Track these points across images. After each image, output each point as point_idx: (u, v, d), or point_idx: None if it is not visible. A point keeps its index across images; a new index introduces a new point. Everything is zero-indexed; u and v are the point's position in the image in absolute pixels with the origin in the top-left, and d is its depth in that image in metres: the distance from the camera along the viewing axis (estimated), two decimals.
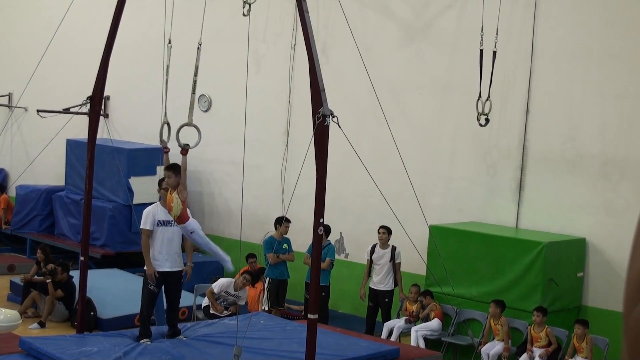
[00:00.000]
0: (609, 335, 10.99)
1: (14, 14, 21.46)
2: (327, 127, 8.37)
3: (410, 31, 14.21)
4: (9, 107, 21.27)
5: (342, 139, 8.50)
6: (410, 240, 10.25)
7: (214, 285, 12.94)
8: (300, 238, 13.50)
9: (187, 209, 9.62)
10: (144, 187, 15.58)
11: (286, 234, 13.20)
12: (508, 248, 11.89)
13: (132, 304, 11.51)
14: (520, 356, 11.20)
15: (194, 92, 9.66)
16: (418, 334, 11.99)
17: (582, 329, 10.84)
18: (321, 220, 8.46)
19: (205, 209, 17.04)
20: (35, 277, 13.49)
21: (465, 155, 13.50)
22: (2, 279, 15.26)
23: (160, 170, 15.37)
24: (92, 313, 12.32)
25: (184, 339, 10.19)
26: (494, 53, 12.01)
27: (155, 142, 15.30)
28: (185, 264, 10.37)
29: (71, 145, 17.24)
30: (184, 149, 9.45)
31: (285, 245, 13.21)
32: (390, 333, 12.29)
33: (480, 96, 12.11)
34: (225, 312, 12.72)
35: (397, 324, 12.31)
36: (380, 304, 12.64)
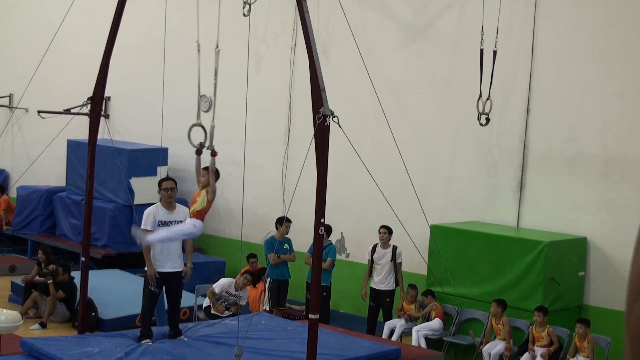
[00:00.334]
0: (611, 334, 10.98)
1: (14, 14, 21.46)
2: (328, 127, 8.37)
3: (411, 31, 14.20)
4: (9, 108, 21.27)
5: (343, 138, 8.50)
6: (411, 240, 10.25)
7: (214, 285, 12.94)
8: (301, 238, 13.50)
9: (206, 211, 9.55)
10: (144, 188, 15.58)
11: (287, 234, 13.20)
12: (509, 247, 11.89)
13: (133, 305, 11.52)
14: (521, 356, 11.19)
15: (215, 94, 9.70)
16: (419, 333, 11.99)
17: (583, 328, 10.84)
18: (322, 220, 8.47)
19: None
20: (37, 277, 13.49)
21: (466, 155, 13.50)
22: (3, 279, 15.26)
23: (161, 171, 15.41)
24: (93, 314, 12.31)
25: (185, 339, 10.19)
26: (495, 53, 12.00)
27: (156, 142, 15.32)
28: (185, 265, 10.37)
29: (72, 146, 17.24)
30: (214, 151, 9.47)
31: (286, 246, 13.20)
32: (391, 333, 12.29)
33: (480, 96, 12.11)
34: (226, 312, 12.72)
35: (398, 323, 12.31)
36: (382, 304, 12.64)
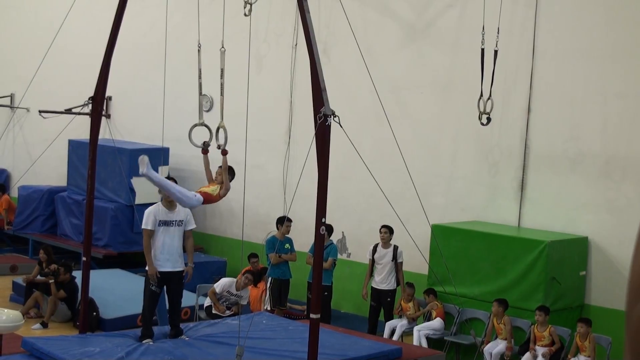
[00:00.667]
0: (612, 334, 10.98)
1: (15, 15, 21.47)
2: (329, 126, 8.37)
3: (412, 31, 14.20)
4: (11, 107, 21.27)
5: (344, 138, 8.50)
6: (412, 240, 10.25)
7: (216, 285, 12.95)
8: (303, 238, 13.50)
9: (218, 198, 9.59)
10: (145, 188, 15.55)
11: (288, 233, 13.20)
12: (510, 247, 11.88)
13: (134, 304, 11.52)
14: (522, 355, 11.19)
15: (222, 94, 9.73)
16: (420, 333, 11.99)
17: (584, 327, 10.84)
18: (323, 219, 8.47)
19: (207, 208, 17.02)
20: (38, 277, 13.50)
21: (467, 155, 13.50)
22: (5, 279, 15.27)
23: (162, 171, 15.39)
24: (94, 313, 12.32)
25: (186, 339, 10.19)
26: (496, 52, 12.00)
27: (157, 142, 15.32)
28: (186, 264, 10.37)
29: (73, 145, 17.25)
30: (225, 150, 9.50)
31: (287, 245, 13.21)
32: (392, 332, 12.29)
33: (481, 95, 12.10)
34: (227, 312, 12.72)
35: (399, 323, 12.32)
36: (383, 304, 12.64)
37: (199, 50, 9.80)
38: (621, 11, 12.02)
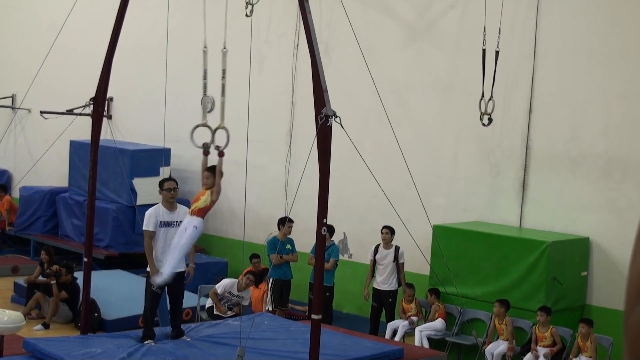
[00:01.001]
0: (613, 334, 10.98)
1: (17, 15, 21.48)
2: (330, 127, 8.38)
3: (413, 31, 14.20)
4: (12, 108, 21.29)
5: (345, 139, 8.50)
6: (414, 240, 10.25)
7: (217, 286, 12.95)
8: (304, 238, 13.50)
9: (208, 209, 9.60)
10: (147, 188, 15.57)
11: (289, 234, 13.20)
12: (512, 247, 11.88)
13: (135, 305, 11.52)
14: (524, 356, 11.19)
15: (223, 95, 9.75)
16: (422, 334, 11.99)
17: (586, 328, 10.83)
18: (324, 220, 8.47)
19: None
20: (40, 278, 13.50)
21: (469, 155, 13.50)
22: (6, 280, 15.28)
23: (163, 172, 15.41)
24: (96, 314, 12.32)
25: (188, 339, 10.19)
26: (497, 53, 11.99)
27: (158, 143, 15.33)
28: (187, 265, 10.36)
29: (74, 146, 17.25)
30: (221, 152, 9.52)
31: (288, 246, 13.21)
32: (394, 333, 12.29)
33: (483, 96, 12.09)
34: (228, 312, 12.72)
35: (401, 324, 12.31)
36: (384, 304, 12.63)
37: (204, 52, 9.79)
38: (623, 11, 12.01)
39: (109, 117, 18.56)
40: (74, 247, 16.64)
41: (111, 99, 18.23)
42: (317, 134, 8.41)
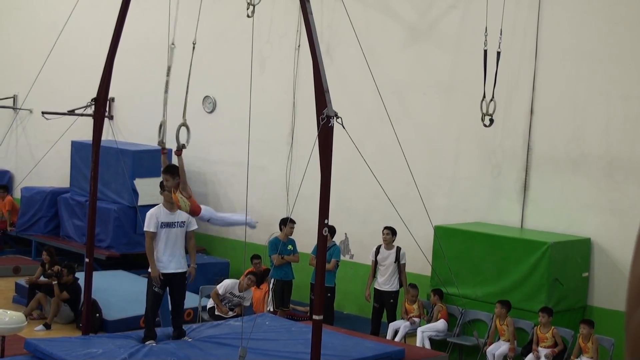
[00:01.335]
0: (615, 335, 10.98)
1: (18, 16, 21.49)
2: (332, 128, 8.38)
3: (414, 32, 14.20)
4: (14, 109, 21.30)
5: (347, 139, 8.50)
6: (415, 241, 10.24)
7: (218, 286, 12.95)
8: (305, 239, 13.50)
9: (195, 201, 9.74)
10: (148, 189, 15.58)
11: (291, 235, 13.20)
12: (513, 248, 11.88)
13: (137, 306, 11.53)
14: (525, 356, 11.19)
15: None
16: (424, 334, 11.99)
17: (587, 329, 10.83)
18: (326, 221, 8.47)
19: None
20: (41, 278, 13.51)
21: (470, 156, 13.49)
22: (8, 280, 15.29)
23: None
24: (97, 315, 12.33)
25: (189, 340, 10.19)
26: (498, 53, 11.99)
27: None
28: (189, 265, 10.37)
29: (76, 147, 17.26)
30: (178, 150, 9.59)
31: (290, 247, 13.21)
32: (395, 334, 12.29)
33: (484, 97, 12.09)
34: (230, 313, 12.73)
35: (402, 324, 12.31)
36: (385, 305, 12.63)
37: (171, 48, 9.82)
38: (624, 12, 12.01)
39: (111, 117, 18.57)
40: (75, 247, 16.65)
41: (113, 99, 18.24)
42: (318, 135, 8.41)
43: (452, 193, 13.63)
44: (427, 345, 11.86)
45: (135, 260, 15.57)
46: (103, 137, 10.97)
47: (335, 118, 8.37)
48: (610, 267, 11.94)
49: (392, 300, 12.61)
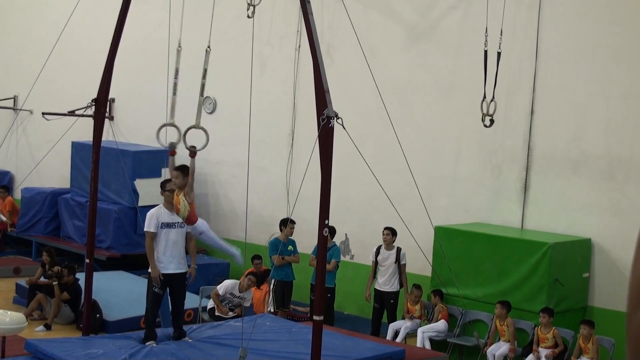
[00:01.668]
0: (615, 335, 10.97)
1: (19, 17, 21.49)
2: (332, 128, 8.38)
3: (415, 32, 14.20)
4: (14, 109, 21.30)
5: (347, 140, 8.50)
6: (416, 241, 10.24)
7: (219, 287, 12.95)
8: (306, 239, 13.50)
9: (195, 210, 9.71)
10: (149, 190, 15.58)
11: (291, 235, 13.20)
12: (513, 249, 11.88)
13: (137, 306, 11.53)
14: (526, 357, 11.19)
15: (202, 94, 9.75)
16: (424, 335, 11.99)
17: (587, 329, 10.83)
18: (326, 221, 8.47)
19: (211, 210, 17.05)
20: (42, 279, 13.50)
21: (470, 156, 13.49)
22: (8, 281, 15.28)
23: (165, 173, 15.40)
24: (97, 315, 12.33)
25: (190, 340, 10.19)
26: (499, 54, 12.00)
27: (160, 144, 15.32)
28: (189, 266, 10.37)
29: (76, 147, 17.26)
30: (192, 152, 9.54)
31: (290, 247, 13.21)
32: (395, 334, 12.29)
33: (484, 97, 12.10)
34: (230, 313, 12.72)
35: (403, 325, 12.31)
36: (386, 306, 12.63)
37: (178, 51, 9.82)
38: (624, 13, 12.01)
39: (111, 118, 18.57)
40: (75, 248, 16.65)
41: (113, 100, 18.24)
42: (319, 135, 8.41)
43: (452, 193, 13.63)
44: (428, 345, 11.86)
45: (135, 260, 15.57)
46: (103, 138, 10.97)
47: (335, 118, 8.37)
48: (610, 268, 11.94)
49: (392, 301, 12.61)
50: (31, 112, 20.39)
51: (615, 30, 12.04)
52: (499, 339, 11.51)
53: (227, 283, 13.05)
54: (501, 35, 12.01)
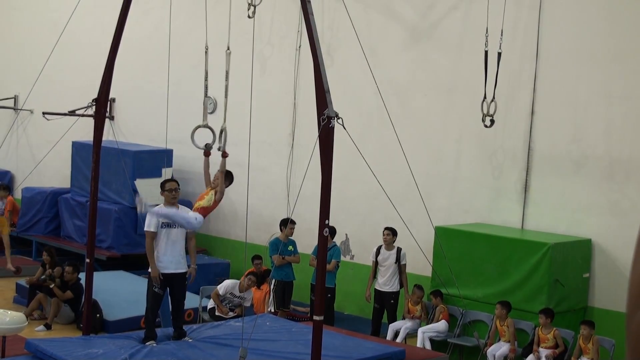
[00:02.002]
0: (615, 336, 10.97)
1: (19, 16, 21.50)
2: (332, 128, 8.38)
3: (415, 33, 14.20)
4: (14, 109, 21.30)
5: (348, 140, 8.50)
6: (416, 242, 10.24)
7: (219, 287, 12.95)
8: (306, 239, 13.50)
9: (209, 210, 9.80)
10: (149, 189, 15.58)
11: (292, 235, 13.20)
12: (514, 249, 11.87)
13: (137, 306, 11.53)
14: (526, 357, 11.18)
15: (226, 96, 9.81)
16: (425, 335, 11.99)
17: (588, 330, 10.82)
18: (326, 221, 8.47)
19: None
20: (41, 279, 13.50)
21: (471, 157, 13.49)
22: (8, 281, 15.28)
23: (166, 172, 15.42)
24: (97, 315, 12.33)
25: (190, 340, 10.20)
26: (499, 54, 12.00)
27: (160, 144, 15.34)
28: (189, 266, 10.37)
29: (77, 147, 17.26)
30: (225, 153, 9.71)
31: (290, 247, 13.21)
32: (395, 334, 12.29)
33: (485, 97, 12.10)
34: (230, 313, 12.73)
35: (404, 325, 12.31)
36: (386, 306, 12.63)
37: (206, 53, 9.80)
38: (625, 13, 12.01)
39: (111, 118, 18.59)
40: (76, 248, 16.65)
41: (113, 100, 18.25)
42: (319, 135, 8.41)
43: (452, 194, 13.63)
44: (428, 345, 11.86)
45: (135, 260, 15.57)
46: (104, 138, 10.98)
47: (336, 118, 8.37)
48: (610, 268, 11.93)
49: (392, 301, 12.61)
50: (32, 111, 20.39)
51: (615, 30, 12.03)
52: (499, 340, 11.51)
53: (228, 283, 13.05)
54: (502, 35, 12.02)
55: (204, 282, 13.43)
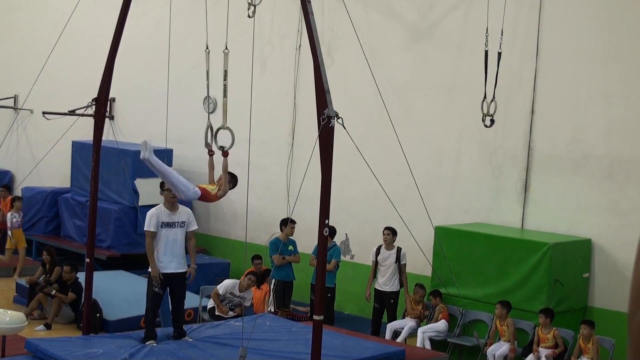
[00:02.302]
0: (615, 335, 10.97)
1: (19, 16, 21.50)
2: (332, 128, 8.38)
3: (415, 32, 14.20)
4: (14, 109, 21.30)
5: (348, 140, 8.50)
6: (416, 242, 10.24)
7: (219, 286, 12.95)
8: (306, 239, 13.50)
9: (208, 196, 9.74)
10: (149, 189, 15.58)
11: (292, 235, 13.20)
12: (514, 249, 11.87)
13: (137, 306, 11.53)
14: (526, 357, 11.19)
15: (225, 95, 9.80)
16: (424, 335, 11.99)
17: (588, 329, 10.82)
18: (326, 221, 8.47)
19: (211, 210, 17.05)
20: (38, 287, 13.49)
21: (471, 156, 13.49)
22: (8, 280, 15.29)
23: None
24: (97, 315, 12.33)
25: (190, 340, 10.20)
26: (499, 54, 12.00)
27: (160, 144, 15.33)
28: (189, 266, 10.37)
29: (77, 147, 17.26)
30: (225, 152, 9.66)
31: (290, 247, 13.21)
32: (394, 334, 12.29)
33: (485, 97, 12.10)
34: (230, 313, 12.72)
35: (405, 324, 12.31)
36: (386, 305, 12.63)
37: (206, 53, 9.81)
38: (625, 13, 12.01)
39: (111, 117, 18.58)
40: (76, 247, 16.65)
41: (113, 99, 18.25)
42: (319, 135, 8.41)
43: (452, 193, 13.63)
44: (428, 345, 11.86)
45: (135, 260, 15.57)
46: (104, 137, 10.98)
47: (336, 118, 8.37)
48: (610, 268, 11.94)
49: (392, 301, 12.61)
50: (32, 111, 20.39)
51: (615, 30, 12.03)
52: (499, 339, 11.51)
53: (227, 283, 13.04)
54: (502, 35, 12.02)
55: (203, 282, 13.42)
